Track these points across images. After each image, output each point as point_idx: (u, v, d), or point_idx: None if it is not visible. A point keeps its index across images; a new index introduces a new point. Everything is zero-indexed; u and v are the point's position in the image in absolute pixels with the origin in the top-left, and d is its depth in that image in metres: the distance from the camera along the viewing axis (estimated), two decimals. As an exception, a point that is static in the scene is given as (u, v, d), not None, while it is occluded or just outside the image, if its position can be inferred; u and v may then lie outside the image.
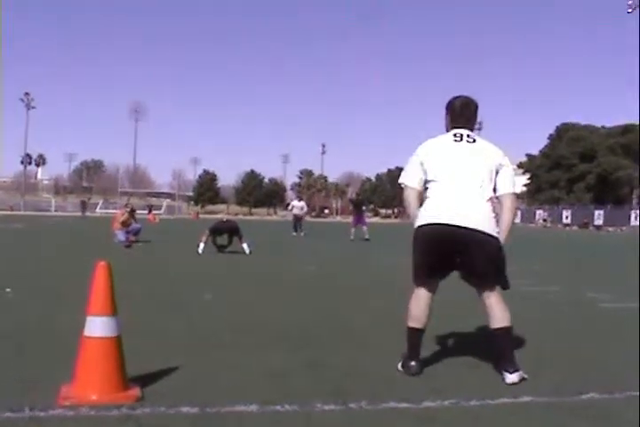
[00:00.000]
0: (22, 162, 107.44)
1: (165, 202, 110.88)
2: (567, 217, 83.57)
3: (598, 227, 73.83)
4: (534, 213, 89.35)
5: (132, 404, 3.98)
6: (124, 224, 20.33)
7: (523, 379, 4.74)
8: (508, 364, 4.80)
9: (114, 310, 4.13)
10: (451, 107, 5.23)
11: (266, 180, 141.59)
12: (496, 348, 5.01)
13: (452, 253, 4.95)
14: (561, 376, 5.04)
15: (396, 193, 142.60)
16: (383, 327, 6.94)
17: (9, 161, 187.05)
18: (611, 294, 10.24)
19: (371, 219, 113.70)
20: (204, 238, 17.34)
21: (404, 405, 4.17)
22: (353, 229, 26.66)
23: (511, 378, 4.72)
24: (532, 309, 8.70)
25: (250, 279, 11.45)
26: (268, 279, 11.48)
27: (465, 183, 4.93)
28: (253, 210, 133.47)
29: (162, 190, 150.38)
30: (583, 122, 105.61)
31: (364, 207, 29.07)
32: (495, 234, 4.93)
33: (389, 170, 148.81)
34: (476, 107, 5.26)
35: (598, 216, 78.83)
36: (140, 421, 3.72)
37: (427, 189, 5.04)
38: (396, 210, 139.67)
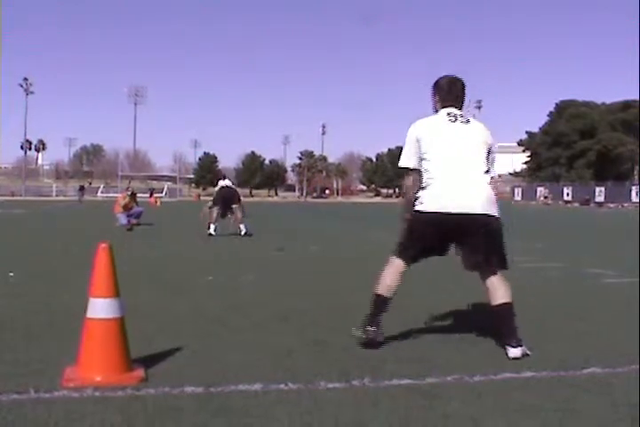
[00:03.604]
0: (22, 147, 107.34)
1: (167, 185, 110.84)
2: (568, 194, 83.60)
3: (599, 203, 73.82)
4: (535, 191, 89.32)
5: (137, 385, 3.99)
6: (126, 208, 20.35)
7: (526, 354, 4.77)
8: (511, 338, 4.81)
9: (116, 292, 4.13)
10: (437, 86, 5.21)
11: (266, 161, 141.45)
12: (498, 324, 5.02)
13: (452, 240, 5.03)
14: (563, 351, 5.05)
15: (397, 173, 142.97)
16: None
17: (9, 147, 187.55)
18: (613, 269, 10.24)
19: (372, 199, 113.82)
20: (213, 218, 17.24)
21: (407, 381, 4.18)
22: None
23: (514, 352, 4.73)
24: (535, 284, 8.71)
25: (251, 261, 11.46)
26: (270, 260, 11.48)
27: (467, 167, 4.93)
28: (254, 191, 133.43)
29: (163, 173, 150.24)
30: (583, 98, 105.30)
31: None
32: (497, 215, 4.96)
33: (389, 149, 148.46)
34: (463, 85, 5.23)
35: (599, 193, 78.84)
36: (144, 401, 3.73)
37: (425, 170, 4.99)
38: (397, 190, 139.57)
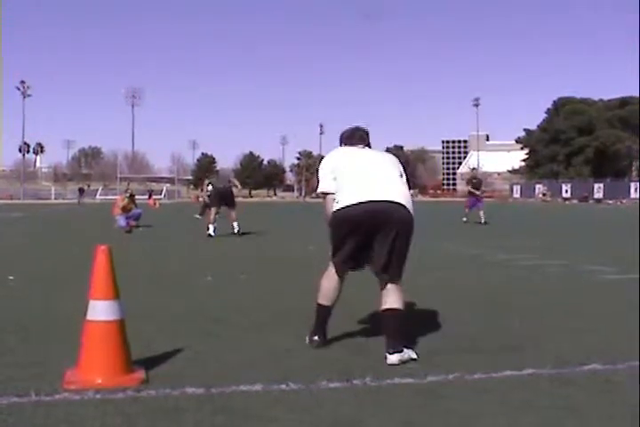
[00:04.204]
0: (20, 150, 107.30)
1: (165, 186, 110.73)
2: (567, 191, 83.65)
3: (598, 200, 73.88)
4: (534, 188, 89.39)
5: (138, 386, 4.00)
6: (125, 209, 20.34)
7: (410, 359, 4.67)
8: (389, 345, 4.71)
9: (116, 294, 4.14)
10: (340, 137, 5.48)
11: (265, 162, 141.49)
12: (383, 328, 4.95)
13: (368, 234, 4.90)
14: (563, 348, 5.05)
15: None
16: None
17: (7, 150, 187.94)
18: (612, 266, 10.25)
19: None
20: (211, 218, 17.29)
21: (409, 380, 4.19)
22: (467, 211, 24.16)
23: (390, 359, 4.62)
24: (534, 282, 8.73)
25: (250, 261, 11.46)
26: (268, 260, 11.49)
27: (381, 171, 5.07)
28: (253, 192, 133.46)
29: (161, 175, 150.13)
30: (581, 95, 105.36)
31: (482, 187, 25.80)
32: (413, 213, 4.99)
33: (387, 148, 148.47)
34: (366, 132, 5.45)
35: (598, 189, 78.92)
36: (145, 403, 3.74)
37: (339, 185, 5.06)
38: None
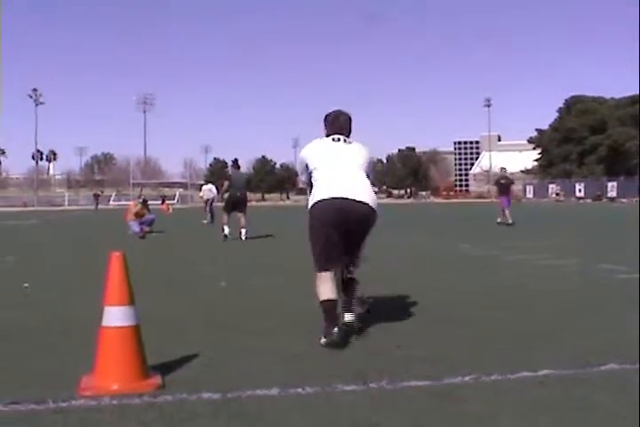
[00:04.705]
0: (34, 158, 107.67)
1: (178, 191, 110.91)
2: (580, 190, 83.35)
3: (612, 199, 73.55)
4: (547, 188, 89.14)
5: (154, 392, 4.00)
6: (138, 215, 20.38)
7: (357, 326, 5.52)
8: (345, 306, 5.53)
9: (131, 300, 4.15)
10: (325, 119, 5.99)
11: (277, 165, 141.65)
12: (344, 292, 5.60)
13: (342, 227, 5.46)
14: (580, 348, 5.03)
15: (408, 173, 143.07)
16: (398, 308, 6.95)
17: (21, 158, 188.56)
18: (627, 265, 10.19)
19: (383, 200, 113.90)
20: (225, 220, 17.48)
21: (425, 382, 4.18)
22: (507, 211, 22.76)
23: (347, 317, 5.46)
24: (548, 282, 8.70)
25: (264, 266, 11.48)
26: (281, 265, 11.49)
27: (348, 170, 5.61)
28: (266, 195, 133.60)
29: (174, 180, 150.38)
30: (592, 94, 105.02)
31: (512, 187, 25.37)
32: (376, 208, 5.61)
33: (400, 150, 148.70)
34: (348, 118, 5.99)
35: (611, 188, 78.56)
36: (162, 408, 3.74)
37: (315, 180, 5.67)
38: (408, 190, 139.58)
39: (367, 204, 5.49)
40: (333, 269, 5.51)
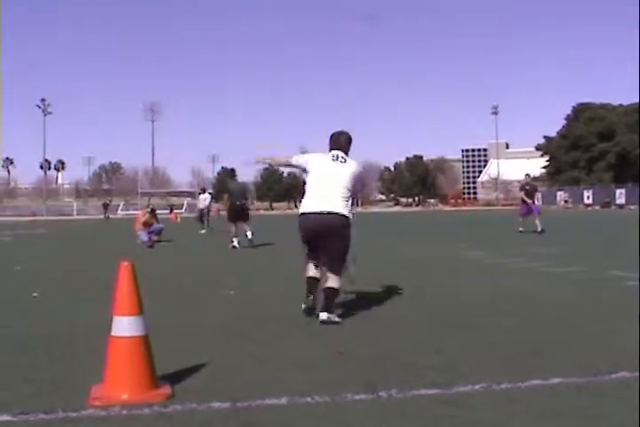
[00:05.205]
0: (42, 167, 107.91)
1: (186, 201, 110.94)
2: (588, 197, 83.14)
3: (620, 206, 73.31)
4: (555, 195, 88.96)
5: (163, 402, 4.00)
6: (146, 225, 20.41)
7: (333, 322, 6.53)
8: (323, 308, 6.69)
9: (140, 310, 4.15)
10: (330, 137, 7.34)
11: (285, 174, 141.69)
12: (324, 299, 6.76)
13: (318, 236, 6.95)
14: (591, 356, 5.01)
15: (416, 181, 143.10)
16: (406, 314, 6.94)
17: (29, 167, 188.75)
18: (635, 272, 10.14)
19: (392, 208, 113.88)
20: (233, 231, 17.89)
21: (435, 391, 4.17)
22: (521, 220, 22.74)
23: (321, 315, 6.59)
24: (558, 289, 8.67)
25: (270, 273, 11.48)
26: (284, 273, 11.46)
27: (329, 186, 6.98)
28: (274, 204, 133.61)
29: (182, 189, 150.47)
30: (600, 101, 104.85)
31: (537, 194, 24.54)
32: (349, 215, 6.94)
33: (407, 158, 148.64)
34: (348, 137, 7.36)
35: (620, 195, 78.31)
36: (171, 418, 3.74)
37: (307, 185, 7.17)
38: (416, 198, 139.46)
39: (336, 213, 6.84)
40: (317, 262, 7.07)
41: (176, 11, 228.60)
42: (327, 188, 6.96)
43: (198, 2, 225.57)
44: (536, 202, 24.05)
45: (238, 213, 18.30)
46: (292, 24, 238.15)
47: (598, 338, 5.70)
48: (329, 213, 6.83)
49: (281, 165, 8.55)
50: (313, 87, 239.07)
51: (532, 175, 27.01)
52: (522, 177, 25.57)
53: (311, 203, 6.99)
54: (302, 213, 7.06)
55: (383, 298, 8.14)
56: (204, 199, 29.24)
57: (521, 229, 22.31)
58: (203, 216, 28.46)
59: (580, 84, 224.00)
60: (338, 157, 7.12)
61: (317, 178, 7.07)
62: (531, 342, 5.55)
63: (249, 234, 17.85)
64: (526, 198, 23.23)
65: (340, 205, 6.88)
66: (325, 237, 6.88)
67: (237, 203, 18.47)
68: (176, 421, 3.69)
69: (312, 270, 7.11)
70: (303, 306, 6.93)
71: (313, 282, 7.09)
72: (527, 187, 23.83)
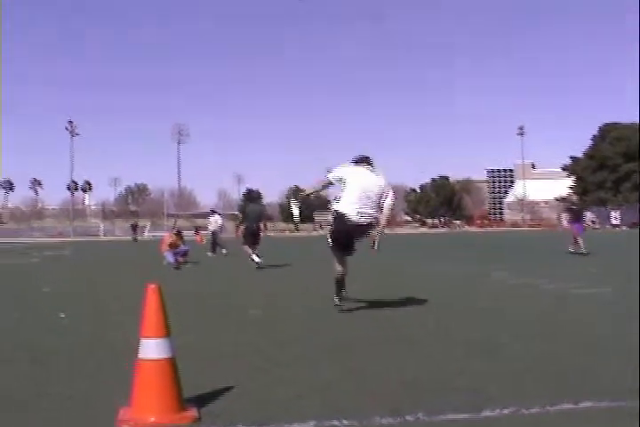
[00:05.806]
0: (69, 188, 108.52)
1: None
2: (616, 218, 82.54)
3: (649, 227, 72.67)
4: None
5: (190, 424, 4.00)
6: (172, 246, 20.49)
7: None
8: (339, 292, 8.87)
9: (167, 332, 4.16)
10: (352, 160, 8.91)
11: (311, 196, 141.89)
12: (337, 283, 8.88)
13: (350, 237, 8.78)
14: (621, 378, 4.94)
15: (442, 202, 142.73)
16: (432, 337, 6.89)
17: (56, 189, 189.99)
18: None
19: (418, 229, 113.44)
20: (249, 252, 18.19)
21: (463, 416, 4.12)
22: (580, 240, 22.00)
23: (335, 300, 8.76)
24: (588, 311, 8.59)
25: (295, 293, 11.45)
26: (311, 294, 11.45)
27: (367, 195, 8.61)
28: (300, 226, 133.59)
29: (207, 210, 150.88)
30: (626, 120, 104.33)
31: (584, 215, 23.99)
32: (373, 222, 8.74)
33: (433, 179, 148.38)
34: (369, 161, 8.94)
35: (646, 216, 77.66)
36: (198, 441, 3.73)
37: (347, 191, 8.66)
38: (442, 219, 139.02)
39: (370, 222, 8.66)
40: (342, 261, 8.86)
41: (204, 33, 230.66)
42: (366, 196, 8.55)
43: (226, 24, 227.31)
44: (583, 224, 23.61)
45: (254, 236, 18.66)
46: (314, 51, 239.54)
47: (629, 361, 5.62)
48: (367, 224, 8.57)
49: (321, 190, 9.51)
50: (339, 108, 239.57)
51: (575, 198, 26.72)
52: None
53: (352, 208, 8.54)
54: (342, 215, 8.55)
55: (408, 318, 8.10)
56: (215, 221, 28.10)
57: (584, 251, 21.52)
58: (216, 239, 27.06)
59: (607, 105, 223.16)
60: (370, 168, 8.74)
61: (358, 184, 8.56)
62: (560, 365, 5.49)
63: (254, 257, 17.94)
64: (572, 219, 22.78)
65: (373, 211, 8.60)
66: (355, 238, 8.79)
67: (254, 226, 18.81)
68: (202, 444, 3.67)
69: (339, 268, 8.76)
70: (336, 299, 8.68)
71: (340, 278, 8.77)
72: (573, 207, 23.77)
